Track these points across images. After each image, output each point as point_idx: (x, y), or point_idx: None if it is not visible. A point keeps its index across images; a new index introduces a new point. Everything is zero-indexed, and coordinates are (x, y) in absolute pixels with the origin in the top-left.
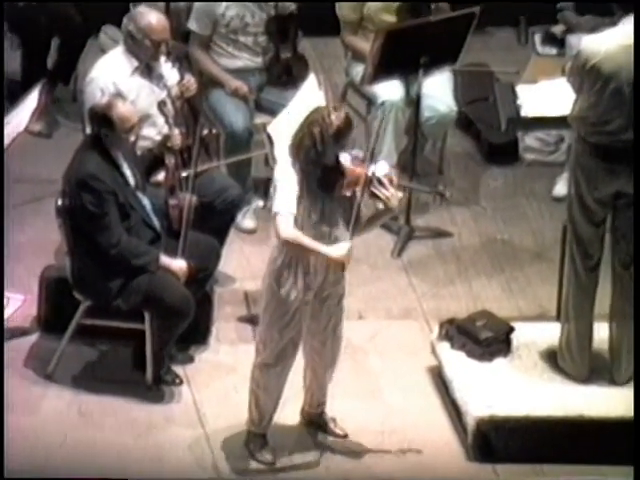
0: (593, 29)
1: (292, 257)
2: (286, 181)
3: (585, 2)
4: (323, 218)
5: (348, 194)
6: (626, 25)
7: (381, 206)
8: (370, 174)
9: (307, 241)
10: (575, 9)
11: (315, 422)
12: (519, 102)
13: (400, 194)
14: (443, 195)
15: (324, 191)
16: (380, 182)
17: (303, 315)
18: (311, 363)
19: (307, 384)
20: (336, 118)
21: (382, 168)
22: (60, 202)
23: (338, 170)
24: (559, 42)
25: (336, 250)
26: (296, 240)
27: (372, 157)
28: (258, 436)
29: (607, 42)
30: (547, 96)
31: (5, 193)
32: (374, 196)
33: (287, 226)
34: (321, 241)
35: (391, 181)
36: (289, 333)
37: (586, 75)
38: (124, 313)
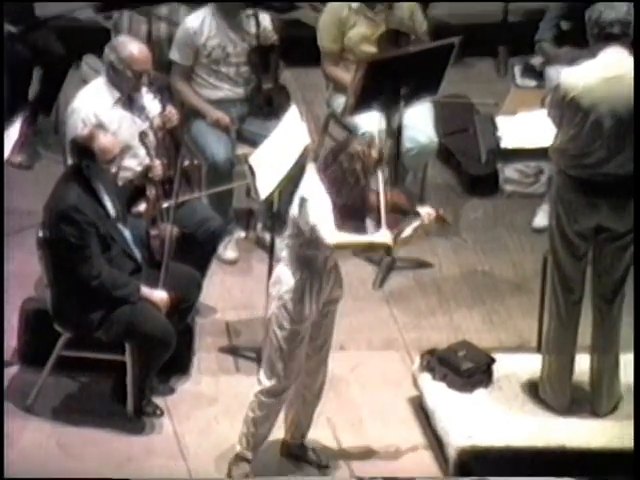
0: (572, 61)
1: (305, 279)
2: (318, 197)
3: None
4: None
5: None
6: (604, 57)
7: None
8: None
9: (353, 237)
10: (553, 41)
11: (294, 453)
12: (499, 134)
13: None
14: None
15: (353, 218)
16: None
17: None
18: (302, 391)
19: (293, 414)
20: (371, 151)
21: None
22: (41, 234)
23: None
24: (538, 74)
25: (380, 236)
26: (344, 240)
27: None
28: (245, 460)
29: (586, 75)
30: (526, 128)
31: None
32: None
33: (331, 232)
34: (325, 264)
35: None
36: (298, 355)
37: (566, 108)
38: (105, 345)
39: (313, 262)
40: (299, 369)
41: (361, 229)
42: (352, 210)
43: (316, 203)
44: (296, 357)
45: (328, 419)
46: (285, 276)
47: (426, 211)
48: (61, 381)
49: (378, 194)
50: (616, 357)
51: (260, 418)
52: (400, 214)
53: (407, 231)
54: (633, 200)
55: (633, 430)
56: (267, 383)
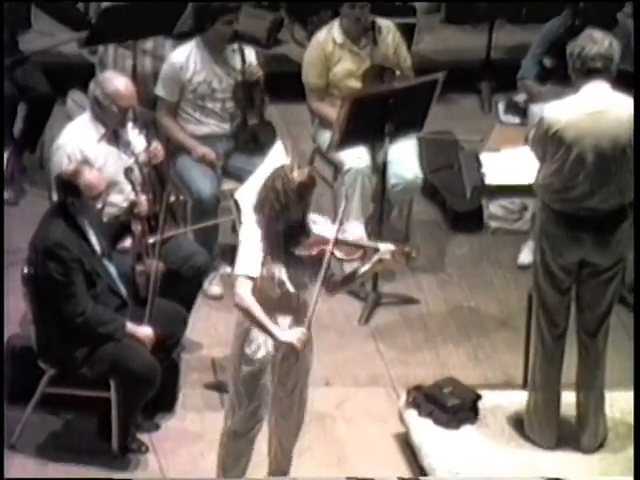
0: (555, 98)
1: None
2: (250, 243)
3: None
4: (289, 279)
5: (313, 253)
6: (587, 92)
7: (348, 269)
8: (335, 237)
9: (258, 314)
10: (536, 78)
11: None
12: (483, 170)
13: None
14: (410, 254)
15: (290, 250)
16: (346, 245)
17: (272, 378)
18: (276, 430)
19: (272, 452)
20: (298, 175)
21: (353, 230)
22: (26, 270)
23: (304, 230)
24: (522, 111)
25: (286, 334)
26: (248, 310)
27: (341, 220)
28: None
29: (569, 109)
30: (511, 164)
31: None
32: (341, 259)
33: (244, 292)
34: (287, 302)
35: (358, 247)
36: (258, 397)
37: (549, 142)
38: (89, 381)
39: (268, 302)
40: (261, 411)
41: (299, 263)
42: (291, 240)
43: (246, 250)
44: (256, 399)
45: (313, 455)
46: (240, 318)
47: (387, 247)
48: (46, 418)
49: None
50: (601, 392)
51: (228, 459)
52: (359, 249)
53: (365, 267)
54: (633, 211)
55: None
56: (228, 424)
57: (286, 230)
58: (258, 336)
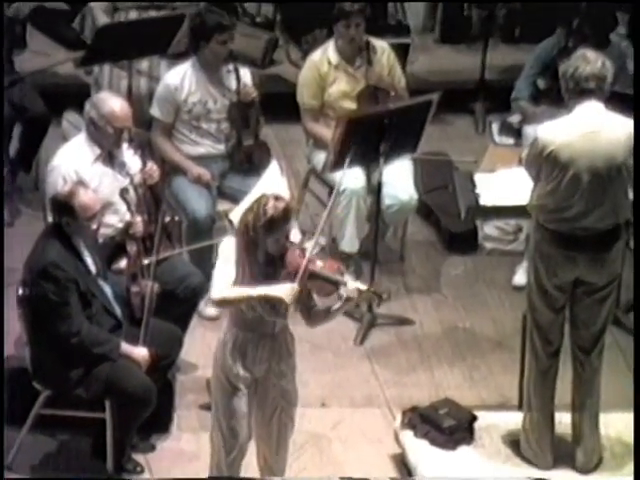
0: (549, 119)
1: (231, 339)
2: (222, 260)
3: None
4: (267, 307)
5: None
6: (581, 112)
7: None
8: (307, 264)
9: (238, 292)
10: (530, 99)
11: None
12: (478, 191)
13: (358, 286)
14: (381, 297)
15: (268, 279)
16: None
17: (249, 400)
18: (261, 450)
19: (260, 471)
20: (271, 208)
21: (330, 261)
22: (21, 291)
23: (282, 259)
24: (516, 131)
25: (276, 289)
26: (231, 295)
27: (313, 247)
28: None
29: (563, 129)
30: (505, 185)
31: None
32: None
33: (220, 289)
34: (263, 328)
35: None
36: (237, 420)
37: (544, 162)
38: (84, 402)
39: (249, 323)
40: (241, 432)
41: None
42: (270, 269)
43: (218, 265)
44: (233, 419)
45: (310, 475)
46: (219, 341)
47: (355, 286)
48: (40, 439)
49: (303, 259)
50: (596, 412)
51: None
52: (330, 284)
53: (335, 305)
54: (633, 217)
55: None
56: (212, 446)
57: (265, 260)
58: (231, 359)
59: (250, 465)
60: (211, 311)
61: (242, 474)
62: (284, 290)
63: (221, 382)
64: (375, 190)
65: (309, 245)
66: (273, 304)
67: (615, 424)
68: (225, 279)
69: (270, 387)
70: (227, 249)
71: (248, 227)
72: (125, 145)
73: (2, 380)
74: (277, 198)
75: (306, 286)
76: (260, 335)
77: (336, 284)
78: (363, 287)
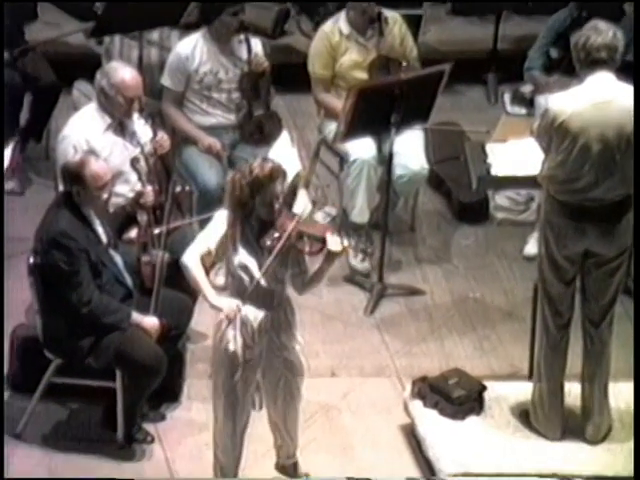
0: (561, 89)
1: (230, 312)
2: (208, 234)
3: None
4: (263, 273)
5: (278, 244)
6: (592, 82)
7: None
8: (295, 224)
9: (199, 277)
10: (543, 69)
11: (289, 475)
12: (489, 161)
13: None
14: (366, 252)
15: (261, 246)
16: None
17: (249, 373)
18: (271, 417)
19: (274, 437)
20: (257, 167)
21: (323, 214)
22: (32, 260)
23: (272, 224)
24: (528, 102)
25: (219, 300)
26: (191, 271)
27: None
28: None
29: (574, 100)
30: (517, 155)
31: None
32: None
33: (191, 255)
34: (262, 296)
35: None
36: (233, 391)
37: (554, 133)
38: (95, 371)
39: (243, 294)
40: (243, 406)
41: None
42: (262, 234)
43: (206, 229)
44: (231, 395)
45: (319, 445)
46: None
47: (339, 239)
48: (51, 408)
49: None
50: (606, 383)
51: (218, 452)
52: (318, 242)
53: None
54: (633, 207)
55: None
56: (215, 416)
57: (257, 224)
58: (228, 331)
59: (252, 435)
60: (221, 280)
61: (250, 446)
62: (226, 304)
63: (222, 357)
64: (386, 160)
65: (299, 207)
66: (273, 269)
67: (624, 394)
68: (203, 246)
69: (273, 358)
70: (218, 221)
71: (235, 186)
72: (136, 115)
73: (2, 376)
74: (264, 159)
75: (296, 248)
76: (260, 307)
77: (323, 240)
78: (338, 247)
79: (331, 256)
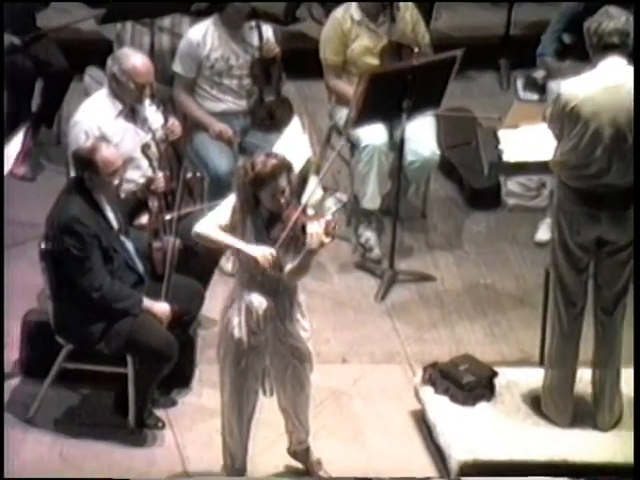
0: (574, 75)
1: (235, 298)
2: (219, 211)
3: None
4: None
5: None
6: (604, 67)
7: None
8: (299, 214)
9: (220, 236)
10: (555, 54)
11: (301, 460)
12: (501, 147)
13: (323, 238)
14: (365, 246)
15: (269, 237)
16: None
17: (256, 360)
18: (281, 403)
19: (285, 422)
20: (259, 163)
21: (334, 200)
22: (43, 245)
23: (280, 214)
24: (541, 87)
25: (252, 249)
26: (209, 234)
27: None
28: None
29: (586, 84)
30: (529, 141)
31: None
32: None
33: (200, 226)
34: (268, 284)
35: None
36: (239, 377)
37: (566, 118)
38: (106, 357)
39: (250, 281)
40: (249, 392)
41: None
42: (270, 225)
43: (216, 209)
44: (236, 381)
45: (330, 432)
46: (227, 295)
47: (314, 230)
48: (63, 393)
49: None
50: (617, 370)
51: (226, 437)
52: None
53: (294, 262)
54: (633, 205)
55: (633, 439)
56: (221, 402)
57: (266, 214)
58: (234, 317)
59: (263, 421)
60: (230, 267)
61: (257, 431)
62: (260, 252)
63: (228, 344)
64: (397, 146)
65: (305, 197)
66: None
67: (634, 381)
68: (215, 220)
69: (279, 345)
70: (230, 201)
71: (239, 181)
72: (147, 101)
73: (2, 377)
74: (268, 155)
75: (298, 239)
76: (265, 294)
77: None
78: (317, 229)
79: (312, 243)
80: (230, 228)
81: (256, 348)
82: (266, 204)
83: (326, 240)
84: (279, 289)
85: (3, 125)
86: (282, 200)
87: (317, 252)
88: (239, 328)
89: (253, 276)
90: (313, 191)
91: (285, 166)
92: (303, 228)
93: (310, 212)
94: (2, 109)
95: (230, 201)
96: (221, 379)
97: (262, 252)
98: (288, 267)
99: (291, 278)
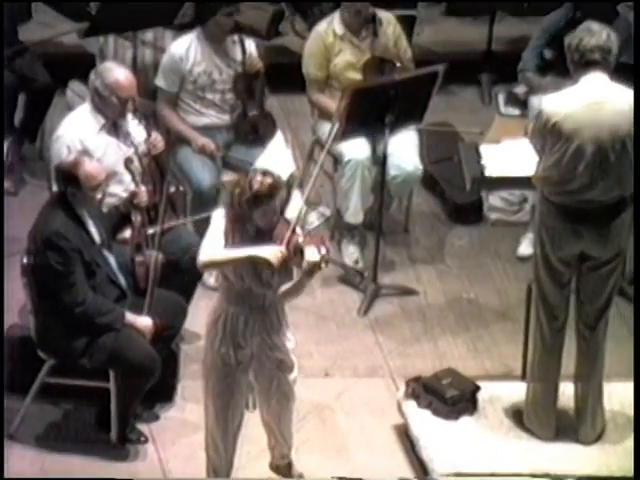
0: (555, 90)
1: (222, 314)
2: (213, 235)
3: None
4: (255, 277)
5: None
6: (586, 83)
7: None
8: (291, 232)
9: (227, 252)
10: (537, 70)
11: (284, 474)
12: (483, 162)
13: (323, 265)
14: (362, 274)
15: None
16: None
17: (241, 375)
18: (264, 418)
19: (267, 437)
20: (257, 183)
21: (317, 215)
22: (25, 260)
23: (270, 233)
24: (522, 103)
25: (262, 251)
26: (218, 257)
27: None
28: None
29: (568, 101)
30: (510, 156)
31: None
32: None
33: (205, 253)
34: (253, 300)
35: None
36: (225, 393)
37: (548, 134)
38: (89, 372)
39: (240, 297)
40: (235, 408)
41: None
42: (259, 242)
43: (208, 234)
44: (222, 397)
45: (313, 446)
46: (211, 310)
47: (310, 257)
48: (45, 408)
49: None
50: (600, 384)
51: (210, 452)
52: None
53: (290, 284)
54: (633, 206)
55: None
56: (205, 418)
57: (255, 233)
58: (219, 334)
59: (245, 436)
60: (212, 281)
61: (239, 446)
62: (271, 251)
63: (214, 359)
64: (380, 161)
65: (293, 218)
66: (259, 273)
67: (618, 395)
68: (213, 245)
69: (265, 359)
70: (218, 219)
71: (234, 200)
72: (130, 115)
73: (2, 375)
74: (265, 174)
75: (289, 259)
76: (250, 308)
77: (302, 252)
78: (316, 257)
79: (309, 268)
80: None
81: (242, 363)
82: (258, 221)
83: (323, 266)
84: (265, 303)
85: (3, 125)
86: (274, 218)
87: (313, 277)
88: (225, 343)
89: (238, 291)
90: (301, 207)
91: (281, 185)
92: (295, 248)
93: (298, 230)
94: (2, 109)
95: (218, 223)
96: (206, 395)
97: (272, 252)
98: (283, 288)
99: (284, 299)
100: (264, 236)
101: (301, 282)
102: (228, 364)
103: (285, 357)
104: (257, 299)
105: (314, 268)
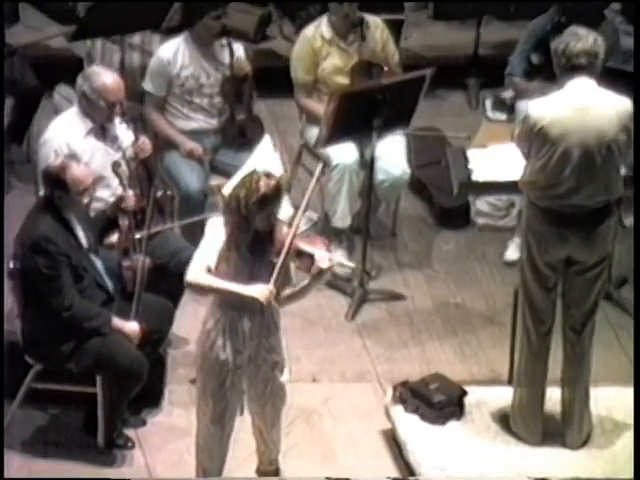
0: (542, 95)
1: (220, 319)
2: (206, 249)
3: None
4: (253, 283)
5: (278, 261)
6: (572, 88)
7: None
8: (293, 235)
9: (214, 283)
10: (523, 74)
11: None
12: (470, 166)
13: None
14: (369, 274)
15: (254, 256)
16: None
17: (238, 379)
18: (256, 423)
19: (256, 443)
20: (264, 185)
21: (305, 219)
22: (12, 264)
23: (269, 236)
24: (509, 107)
25: (250, 290)
26: (203, 283)
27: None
28: None
29: (554, 105)
30: (498, 161)
31: None
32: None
33: (195, 270)
34: (250, 303)
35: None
36: (223, 398)
37: (535, 139)
38: (76, 376)
39: (235, 302)
40: (231, 411)
41: (264, 269)
42: (257, 246)
43: (201, 245)
44: (219, 401)
45: (300, 451)
46: (204, 318)
47: (327, 256)
48: (31, 413)
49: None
50: (586, 389)
51: (203, 455)
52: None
53: (305, 281)
54: (634, 211)
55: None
56: (198, 421)
57: (253, 237)
58: (218, 339)
59: (237, 442)
60: None
61: (231, 451)
62: (260, 291)
63: (212, 365)
64: (368, 165)
65: (295, 221)
66: (257, 280)
67: (605, 399)
68: (203, 262)
69: (261, 362)
70: (214, 228)
71: (240, 204)
72: (117, 119)
73: (2, 373)
74: (268, 175)
75: (288, 263)
76: (249, 312)
77: (311, 257)
78: (338, 260)
79: (319, 273)
80: (219, 260)
81: (240, 367)
82: (258, 224)
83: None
84: (262, 307)
85: (3, 125)
86: (273, 220)
87: (322, 281)
88: (224, 349)
89: (232, 298)
90: (294, 211)
91: (284, 185)
92: (298, 253)
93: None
94: (2, 108)
95: (213, 233)
96: (201, 400)
97: (261, 291)
98: (285, 293)
99: (287, 302)
100: (262, 239)
101: (309, 286)
102: (227, 369)
103: (279, 358)
104: (255, 304)
105: (324, 272)
